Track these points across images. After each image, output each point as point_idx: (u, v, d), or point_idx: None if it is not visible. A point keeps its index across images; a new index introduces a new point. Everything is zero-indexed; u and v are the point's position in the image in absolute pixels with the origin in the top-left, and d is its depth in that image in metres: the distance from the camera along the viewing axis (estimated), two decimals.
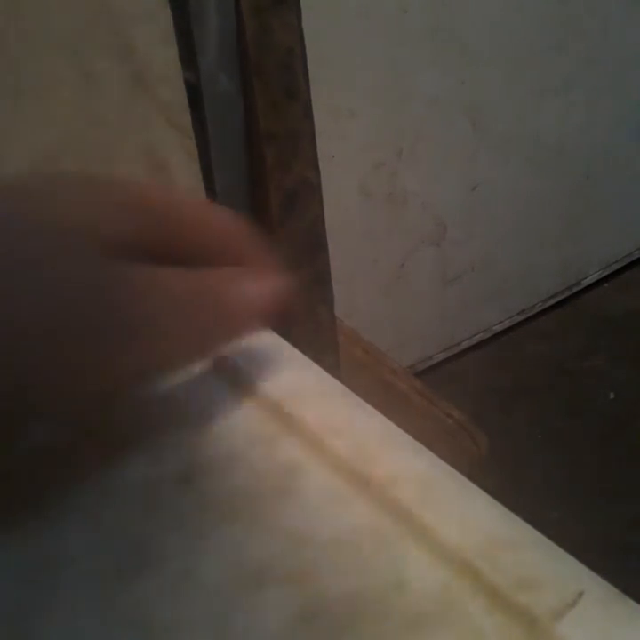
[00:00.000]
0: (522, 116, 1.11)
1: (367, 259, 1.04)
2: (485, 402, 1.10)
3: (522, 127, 1.12)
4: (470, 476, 0.27)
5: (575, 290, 1.32)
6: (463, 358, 1.18)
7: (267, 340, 0.32)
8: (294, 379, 0.31)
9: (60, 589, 0.23)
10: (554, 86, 1.13)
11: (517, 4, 1.03)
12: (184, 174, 0.67)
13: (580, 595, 0.21)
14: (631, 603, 0.22)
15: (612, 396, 1.09)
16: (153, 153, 0.66)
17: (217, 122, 0.64)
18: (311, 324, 0.71)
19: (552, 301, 1.29)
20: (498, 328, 1.23)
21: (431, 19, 0.95)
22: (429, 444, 0.29)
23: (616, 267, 1.38)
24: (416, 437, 0.29)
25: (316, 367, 0.33)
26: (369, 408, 0.31)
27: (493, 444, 1.01)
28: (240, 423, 0.28)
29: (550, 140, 1.17)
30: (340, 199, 0.96)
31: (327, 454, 0.27)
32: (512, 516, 0.25)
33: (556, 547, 0.24)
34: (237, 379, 0.30)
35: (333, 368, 0.73)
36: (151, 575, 0.24)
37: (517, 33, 1.04)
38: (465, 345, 1.19)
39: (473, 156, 1.08)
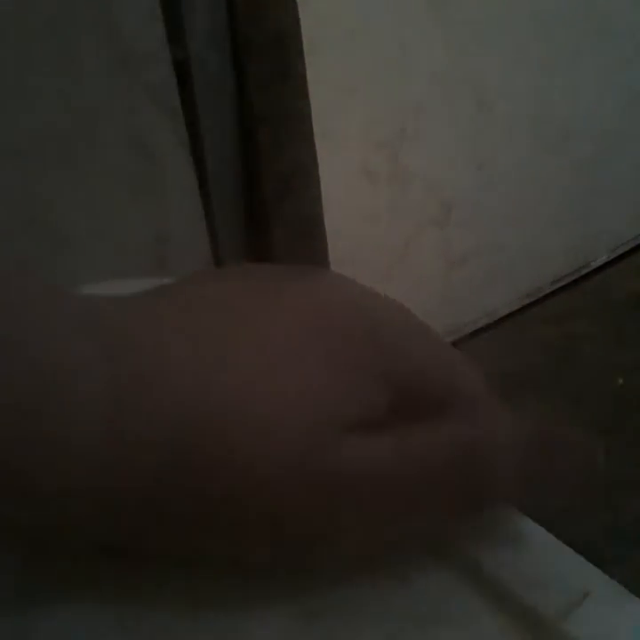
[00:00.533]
0: (529, 93, 1.08)
1: (368, 241, 1.01)
2: (491, 387, 1.07)
3: (529, 105, 1.09)
4: None
5: (583, 272, 1.29)
6: (468, 342, 1.16)
7: None
8: None
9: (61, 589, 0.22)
10: (562, 62, 1.09)
11: None
12: (172, 159, 0.65)
13: (586, 594, 0.21)
14: (638, 601, 0.21)
15: (620, 381, 1.06)
16: (139, 137, 0.63)
17: (207, 103, 0.61)
18: None
19: (559, 284, 1.27)
20: (503, 311, 1.20)
21: None
22: None
23: (624, 249, 1.34)
24: None
25: None
26: None
27: None
28: None
29: (558, 119, 1.14)
30: (340, 180, 0.93)
31: None
32: (516, 512, 0.24)
33: (561, 544, 0.23)
34: None
35: None
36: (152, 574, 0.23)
37: (524, 5, 1.01)
38: (470, 329, 1.17)
39: (478, 135, 1.05)
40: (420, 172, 1.02)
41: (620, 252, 1.34)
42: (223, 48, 0.59)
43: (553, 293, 1.26)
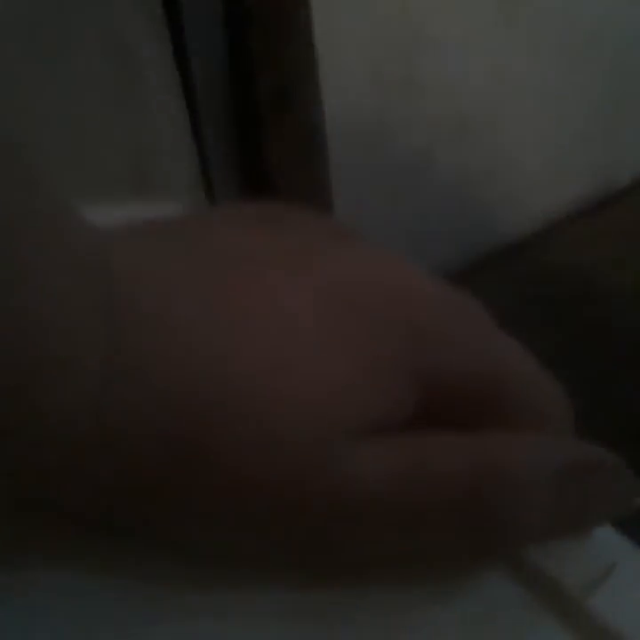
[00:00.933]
0: None
1: (378, 156, 0.94)
2: (507, 319, 1.02)
3: (554, 6, 0.99)
4: None
5: (606, 196, 1.22)
6: (484, 268, 1.10)
7: None
8: None
9: None
10: None
11: None
12: (154, 63, 0.57)
13: (613, 566, 0.20)
14: None
15: None
16: (118, 39, 0.55)
17: (192, 3, 0.54)
18: None
19: (583, 207, 1.20)
20: (522, 236, 1.14)
21: None
22: None
23: None
24: None
25: None
26: None
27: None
28: None
29: (585, 24, 1.05)
30: (347, 87, 0.85)
31: None
32: None
33: None
34: None
35: None
36: None
37: None
38: (487, 253, 1.11)
39: (499, 41, 0.97)
40: (435, 80, 0.94)
41: None
42: None
43: (575, 217, 1.19)
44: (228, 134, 0.60)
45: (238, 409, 0.18)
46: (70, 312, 0.17)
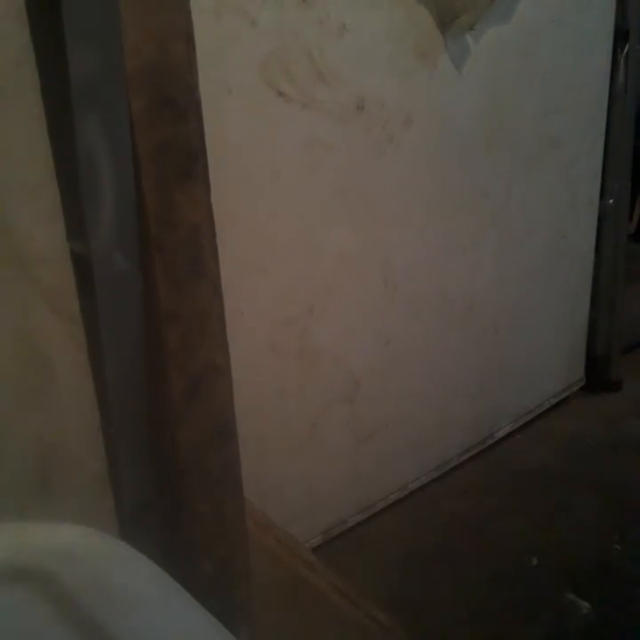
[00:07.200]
0: (432, 272, 1.11)
1: (277, 417, 0.98)
2: (405, 569, 1.03)
3: (432, 283, 1.12)
4: None
5: (489, 443, 1.29)
6: (379, 520, 1.11)
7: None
8: None
9: None
10: (462, 244, 1.14)
11: (424, 168, 1.04)
12: (68, 365, 0.59)
13: None
14: None
15: (535, 561, 1.03)
16: (29, 341, 0.57)
17: (110, 304, 0.57)
18: (218, 523, 0.63)
19: (467, 455, 1.26)
20: (413, 485, 1.17)
21: (341, 178, 0.94)
22: None
23: (527, 418, 1.37)
24: None
25: None
26: None
27: (417, 621, 0.93)
28: None
29: (460, 296, 1.18)
30: (250, 356, 0.91)
31: None
32: None
33: None
34: None
35: (242, 567, 0.65)
36: None
37: (425, 194, 1.05)
38: (380, 505, 1.13)
39: (385, 312, 1.06)
40: (328, 348, 1.00)
41: (525, 420, 1.36)
42: (130, 248, 0.56)
43: (462, 464, 1.25)
44: (138, 430, 0.61)
45: None
46: None
